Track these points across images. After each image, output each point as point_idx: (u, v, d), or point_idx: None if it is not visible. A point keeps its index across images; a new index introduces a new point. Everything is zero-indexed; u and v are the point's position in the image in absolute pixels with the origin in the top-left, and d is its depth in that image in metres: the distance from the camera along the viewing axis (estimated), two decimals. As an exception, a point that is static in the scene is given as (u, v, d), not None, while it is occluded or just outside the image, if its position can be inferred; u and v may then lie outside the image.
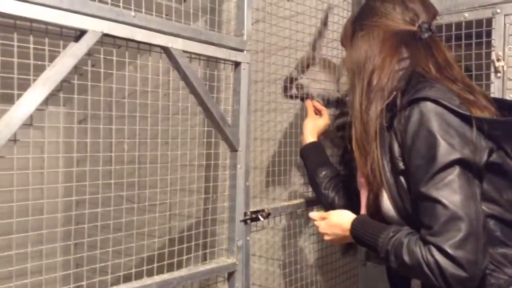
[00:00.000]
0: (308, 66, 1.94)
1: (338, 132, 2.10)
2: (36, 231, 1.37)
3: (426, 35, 1.24)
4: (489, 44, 1.70)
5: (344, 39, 1.40)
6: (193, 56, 1.49)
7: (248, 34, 1.63)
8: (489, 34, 1.70)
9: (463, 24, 1.75)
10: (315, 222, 1.43)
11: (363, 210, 1.29)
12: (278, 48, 1.98)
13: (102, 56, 1.25)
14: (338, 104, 2.00)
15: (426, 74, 1.18)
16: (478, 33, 1.71)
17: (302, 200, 1.91)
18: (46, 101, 1.12)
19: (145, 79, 1.50)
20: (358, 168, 1.27)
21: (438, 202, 1.02)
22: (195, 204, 1.85)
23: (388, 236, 1.13)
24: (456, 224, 1.00)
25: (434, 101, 1.07)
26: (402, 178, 1.13)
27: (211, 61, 1.56)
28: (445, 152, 1.04)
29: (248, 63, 1.62)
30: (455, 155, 1.03)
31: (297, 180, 2.14)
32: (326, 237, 1.38)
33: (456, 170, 1.03)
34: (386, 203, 1.17)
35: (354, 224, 1.26)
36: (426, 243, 1.04)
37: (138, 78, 1.46)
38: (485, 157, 1.08)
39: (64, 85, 1.23)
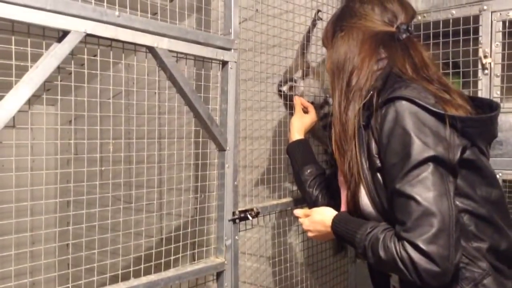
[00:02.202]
0: (307, 75, 1.94)
1: (324, 132, 2.10)
2: (22, 233, 1.36)
3: (404, 36, 1.26)
4: (476, 41, 1.71)
5: (325, 39, 1.41)
6: (179, 55, 1.48)
7: (236, 33, 1.62)
8: (476, 31, 1.71)
9: (451, 21, 1.75)
10: (299, 220, 1.46)
11: (343, 208, 1.31)
12: (267, 47, 1.98)
13: (86, 56, 1.24)
14: (323, 105, 2.00)
15: (403, 75, 1.19)
16: (465, 30, 1.72)
17: (291, 198, 1.92)
18: (29, 102, 1.11)
19: (137, 78, 1.50)
20: (338, 166, 1.29)
21: (412, 198, 1.04)
22: (186, 204, 1.85)
23: (365, 232, 1.15)
24: (429, 220, 1.02)
25: (409, 100, 1.09)
26: (379, 175, 1.16)
27: (198, 61, 1.56)
28: (419, 150, 1.05)
29: (235, 62, 1.62)
30: (429, 153, 1.05)
31: (287, 179, 2.14)
32: (310, 234, 1.41)
33: (430, 167, 1.05)
34: (364, 200, 1.20)
35: (334, 220, 1.29)
36: (400, 238, 1.06)
37: (124, 78, 1.45)
38: (458, 154, 1.09)
39: (54, 85, 1.23)
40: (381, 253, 1.08)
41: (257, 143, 2.17)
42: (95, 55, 1.34)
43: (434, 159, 1.05)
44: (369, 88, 1.20)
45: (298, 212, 1.48)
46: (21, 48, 1.13)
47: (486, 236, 1.12)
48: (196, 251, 1.63)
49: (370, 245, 1.12)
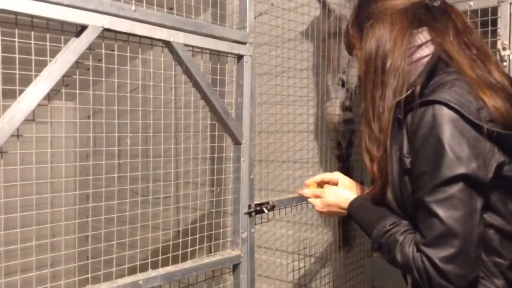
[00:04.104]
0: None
1: (346, 125, 2.11)
2: (42, 224, 1.39)
3: (438, 2, 1.15)
4: (494, 33, 1.68)
5: (351, 44, 1.29)
6: (195, 49, 1.49)
7: (251, 27, 1.62)
8: (494, 23, 1.68)
9: (468, 13, 1.72)
10: (310, 200, 1.40)
11: (368, 191, 1.26)
12: (283, 41, 1.98)
13: (103, 51, 1.26)
14: (349, 108, 2.01)
15: (450, 59, 1.10)
16: (484, 22, 1.69)
17: (307, 192, 1.91)
18: (48, 97, 1.13)
19: (154, 73, 1.51)
20: (370, 157, 1.18)
21: (436, 216, 1.00)
22: (202, 197, 1.86)
23: (384, 229, 1.12)
24: (450, 240, 0.99)
25: (450, 107, 1.01)
26: (406, 178, 1.09)
27: (214, 55, 1.56)
28: (451, 164, 0.99)
29: (251, 55, 1.62)
30: (460, 170, 0.99)
31: (303, 172, 2.14)
32: (323, 215, 1.39)
33: (459, 185, 0.99)
34: (390, 196, 1.14)
35: (352, 205, 1.25)
36: (419, 250, 1.03)
37: (140, 73, 1.47)
38: (492, 172, 1.02)
39: (72, 80, 1.25)
40: (398, 257, 1.07)
41: (272, 137, 2.18)
42: (113, 50, 1.36)
43: (464, 177, 0.99)
44: (408, 77, 1.10)
45: (307, 192, 1.41)
46: (40, 43, 1.15)
47: (508, 253, 1.08)
48: (212, 243, 1.65)
49: (387, 245, 1.10)
